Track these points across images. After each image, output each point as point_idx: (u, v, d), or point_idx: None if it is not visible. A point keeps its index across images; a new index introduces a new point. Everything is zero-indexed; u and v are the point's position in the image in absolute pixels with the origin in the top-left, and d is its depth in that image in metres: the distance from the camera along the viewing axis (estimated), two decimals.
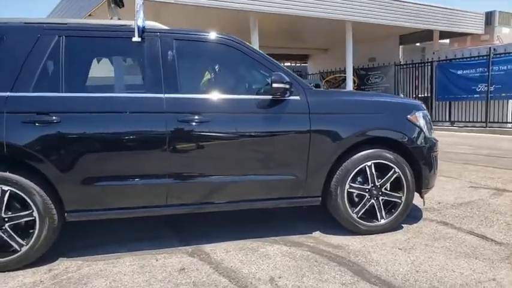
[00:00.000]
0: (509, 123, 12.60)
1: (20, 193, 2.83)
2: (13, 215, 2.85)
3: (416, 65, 15.12)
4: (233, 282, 2.65)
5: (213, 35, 3.28)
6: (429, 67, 14.64)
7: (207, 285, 2.62)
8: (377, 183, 3.45)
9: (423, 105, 3.82)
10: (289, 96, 3.22)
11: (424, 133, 3.58)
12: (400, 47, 17.87)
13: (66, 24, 3.07)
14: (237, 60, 3.33)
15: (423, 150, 3.55)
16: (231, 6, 9.94)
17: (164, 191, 3.08)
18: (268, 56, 3.36)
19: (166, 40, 3.13)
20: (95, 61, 3.23)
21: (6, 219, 2.84)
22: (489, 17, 15.33)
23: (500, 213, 3.99)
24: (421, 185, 3.58)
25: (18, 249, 2.87)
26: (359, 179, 3.46)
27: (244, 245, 3.30)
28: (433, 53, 15.18)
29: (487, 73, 12.76)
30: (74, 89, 2.96)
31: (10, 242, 2.86)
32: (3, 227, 2.84)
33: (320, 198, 3.41)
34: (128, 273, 2.83)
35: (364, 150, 3.40)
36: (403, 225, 3.65)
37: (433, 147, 3.64)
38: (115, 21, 3.22)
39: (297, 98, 3.27)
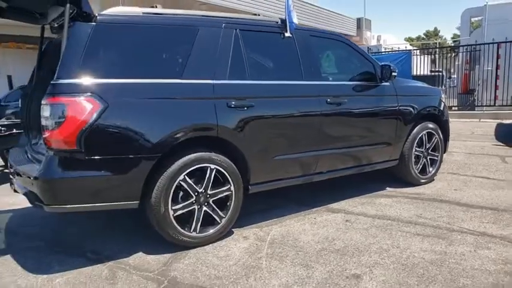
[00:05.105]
0: None
1: (223, 171, 3.11)
2: (216, 190, 3.12)
3: None
4: (396, 221, 3.53)
5: (333, 33, 4.00)
6: None
7: (385, 226, 3.43)
8: (427, 146, 4.71)
9: None
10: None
11: (447, 109, 4.99)
12: None
13: (238, 18, 3.38)
14: (350, 54, 4.12)
15: (448, 121, 4.96)
16: None
17: (315, 160, 3.71)
18: (364, 50, 4.25)
19: (307, 36, 3.73)
20: (261, 51, 3.58)
21: (209, 195, 3.10)
22: (359, 22, 18.61)
23: (473, 165, 5.74)
24: (446, 147, 4.99)
25: (219, 221, 3.16)
26: (416, 144, 4.65)
27: (356, 201, 4.14)
28: None
29: None
30: (255, 77, 3.33)
31: (213, 215, 3.13)
32: (209, 202, 3.10)
33: (398, 161, 4.49)
34: (312, 229, 3.41)
35: (420, 123, 4.60)
36: None
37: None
38: (269, 18, 3.62)
39: (388, 83, 4.25)
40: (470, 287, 2.42)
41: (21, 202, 4.46)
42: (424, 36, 56.62)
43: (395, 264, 2.74)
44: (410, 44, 35.34)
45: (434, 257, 2.82)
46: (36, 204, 2.70)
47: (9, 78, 16.04)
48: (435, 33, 57.29)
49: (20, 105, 3.75)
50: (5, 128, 5.12)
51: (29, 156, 3.30)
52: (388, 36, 22.05)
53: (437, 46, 21.44)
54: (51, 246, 3.27)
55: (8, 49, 15.77)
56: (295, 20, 3.56)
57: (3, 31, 12.30)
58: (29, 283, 2.64)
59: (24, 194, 2.97)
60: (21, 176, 3.00)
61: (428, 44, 35.86)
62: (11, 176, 3.29)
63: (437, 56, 15.73)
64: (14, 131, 5.20)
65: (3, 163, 6.59)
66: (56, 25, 3.40)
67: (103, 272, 2.77)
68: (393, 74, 4.04)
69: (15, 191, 3.21)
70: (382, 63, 4.11)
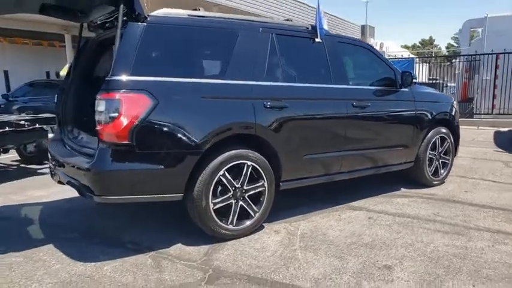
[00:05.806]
0: None
1: (258, 168, 3.28)
2: (251, 186, 3.28)
3: None
4: (415, 219, 3.73)
5: (358, 40, 4.20)
6: None
7: (406, 223, 3.62)
8: (440, 150, 4.92)
9: None
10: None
11: (458, 115, 5.21)
12: None
13: (273, 23, 3.56)
14: (373, 60, 4.32)
15: (458, 126, 5.19)
16: None
17: (340, 160, 3.89)
18: (385, 57, 4.45)
19: (335, 42, 3.92)
20: (294, 55, 3.75)
21: (245, 190, 3.26)
22: (363, 29, 18.94)
23: (479, 169, 5.97)
24: (456, 151, 5.22)
25: (253, 215, 3.32)
26: (430, 147, 4.86)
27: (375, 200, 4.33)
28: None
29: None
30: (289, 79, 3.51)
31: (248, 209, 3.29)
32: (244, 197, 3.26)
33: (413, 163, 4.69)
34: (338, 224, 3.59)
35: (434, 127, 4.81)
36: None
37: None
38: (301, 23, 3.80)
39: (407, 89, 4.46)
40: (494, 277, 2.62)
41: (49, 195, 4.60)
42: (420, 45, 57.50)
43: (422, 257, 2.93)
44: (411, 52, 35.91)
45: (456, 251, 3.02)
46: (87, 194, 2.84)
47: (6, 73, 16.07)
48: (430, 42, 58.22)
49: (56, 100, 3.88)
50: (28, 123, 5.23)
51: (69, 148, 3.44)
52: (390, 43, 22.51)
53: (439, 55, 21.87)
54: (88, 237, 3.40)
55: (7, 44, 15.78)
56: (326, 27, 3.75)
57: (12, 26, 12.34)
58: (78, 270, 2.78)
59: (67, 183, 3.12)
60: (64, 166, 3.15)
61: (430, 52, 36.43)
62: (52, 167, 3.43)
63: (432, 64, 16.10)
64: (37, 125, 5.31)
65: (19, 158, 6.69)
66: (95, 24, 3.54)
67: (147, 261, 2.91)
68: (413, 80, 4.25)
69: (59, 182, 3.34)
70: (403, 70, 4.32)
